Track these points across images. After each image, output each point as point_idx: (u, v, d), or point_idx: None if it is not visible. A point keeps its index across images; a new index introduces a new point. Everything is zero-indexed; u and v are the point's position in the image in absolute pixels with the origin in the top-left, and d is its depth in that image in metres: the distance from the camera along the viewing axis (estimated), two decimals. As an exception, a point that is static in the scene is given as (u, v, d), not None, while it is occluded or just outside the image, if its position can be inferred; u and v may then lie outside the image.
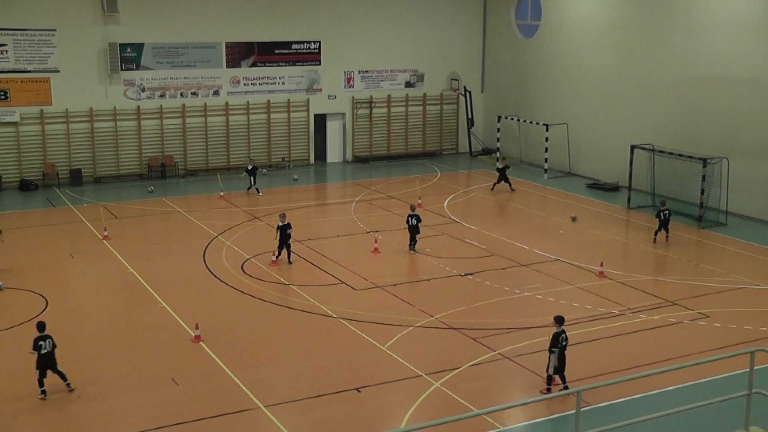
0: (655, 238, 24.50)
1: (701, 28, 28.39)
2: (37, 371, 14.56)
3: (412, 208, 23.78)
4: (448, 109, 39.54)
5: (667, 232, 24.50)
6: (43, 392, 14.58)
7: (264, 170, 35.14)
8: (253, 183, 30.67)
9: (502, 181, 30.94)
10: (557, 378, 14.78)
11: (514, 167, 36.17)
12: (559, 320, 14.83)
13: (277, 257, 22.17)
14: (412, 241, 23.44)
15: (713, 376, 15.15)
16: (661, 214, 24.32)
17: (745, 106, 27.05)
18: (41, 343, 14.62)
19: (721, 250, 24.09)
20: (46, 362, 14.63)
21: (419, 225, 23.39)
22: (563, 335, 14.69)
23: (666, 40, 29.83)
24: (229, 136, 35.13)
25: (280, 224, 22.03)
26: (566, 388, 14.65)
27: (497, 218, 27.58)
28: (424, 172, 35.32)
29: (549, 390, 14.72)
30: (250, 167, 30.84)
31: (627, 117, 31.77)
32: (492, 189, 31.16)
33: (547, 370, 14.82)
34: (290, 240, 22.26)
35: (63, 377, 14.85)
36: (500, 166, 31.21)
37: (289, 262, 22.11)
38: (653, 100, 30.57)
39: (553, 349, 14.59)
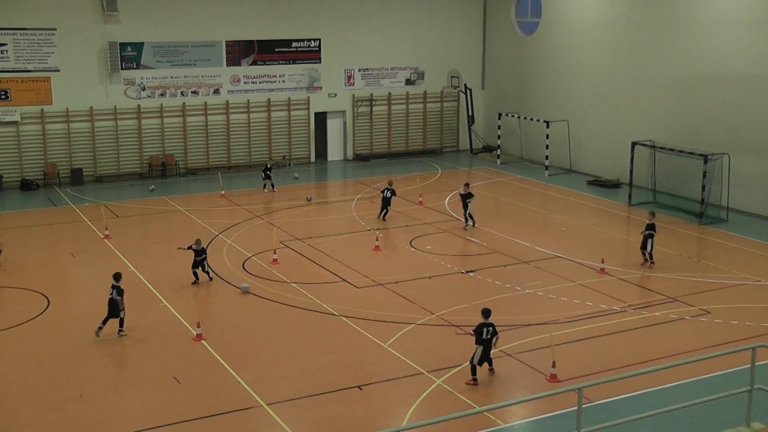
0: (643, 257, 21.95)
1: (702, 25, 28.37)
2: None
3: (390, 183, 26.84)
4: (448, 106, 39.52)
5: (650, 251, 21.70)
6: (99, 329, 17.24)
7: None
8: (266, 178, 30.97)
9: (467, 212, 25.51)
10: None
11: (516, 164, 36.21)
12: (485, 313, 15.09)
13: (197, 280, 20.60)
14: (383, 211, 26.27)
15: (714, 373, 15.14)
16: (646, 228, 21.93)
17: (746, 102, 27.04)
18: (112, 290, 17.41)
19: (722, 247, 24.07)
20: (110, 307, 17.33)
21: (392, 198, 26.27)
22: (488, 328, 14.90)
23: (667, 36, 29.80)
24: (229, 134, 35.13)
25: (195, 248, 20.41)
26: (491, 370, 15.14)
27: (498, 215, 27.58)
28: (424, 169, 35.32)
29: (475, 380, 14.85)
30: (269, 165, 31.34)
31: (628, 114, 31.76)
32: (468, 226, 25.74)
33: (471, 360, 14.96)
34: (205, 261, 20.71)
35: (121, 322, 17.43)
36: (462, 192, 25.58)
37: (210, 278, 20.69)
38: (654, 96, 30.55)
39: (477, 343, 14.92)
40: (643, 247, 21.84)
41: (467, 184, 25.88)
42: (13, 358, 16.25)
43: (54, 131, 32.30)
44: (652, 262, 21.71)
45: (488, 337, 14.93)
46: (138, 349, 16.65)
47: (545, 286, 20.21)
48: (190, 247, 20.64)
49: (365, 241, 24.16)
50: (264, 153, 35.79)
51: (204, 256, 20.75)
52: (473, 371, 14.94)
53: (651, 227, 21.67)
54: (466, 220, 25.40)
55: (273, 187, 31.01)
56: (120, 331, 17.41)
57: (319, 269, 21.69)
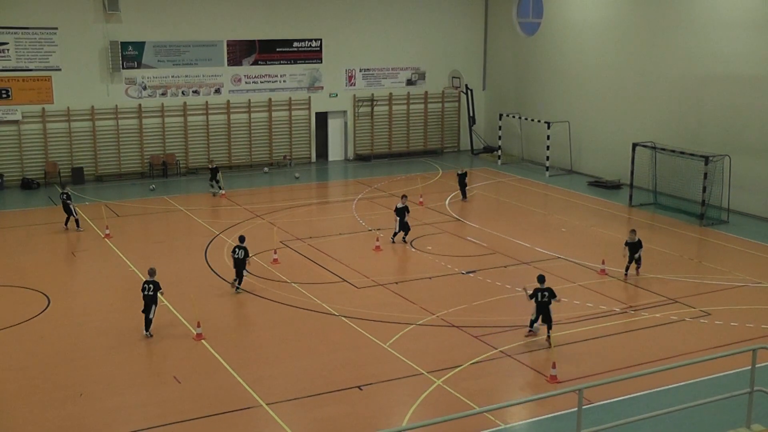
0: (626, 274, 21.02)
1: (703, 26, 28.36)
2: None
3: (462, 169, 29.95)
4: (449, 107, 39.52)
5: (638, 264, 20.97)
6: (237, 288, 19.69)
7: (266, 168, 35.20)
8: (215, 182, 30.18)
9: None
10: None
11: (516, 165, 36.24)
12: (539, 279, 16.99)
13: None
14: (463, 193, 28.97)
15: (715, 374, 15.14)
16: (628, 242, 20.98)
17: (747, 103, 27.03)
18: (238, 250, 19.53)
19: (722, 248, 24.06)
20: (236, 267, 19.66)
21: (465, 180, 29.10)
22: (542, 293, 16.68)
23: (668, 37, 29.79)
24: (230, 134, 35.13)
25: (149, 280, 17.30)
26: (549, 337, 16.68)
27: (498, 216, 27.57)
28: (425, 170, 35.32)
29: (530, 331, 17.08)
30: (213, 166, 30.49)
31: (629, 115, 31.75)
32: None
33: (532, 317, 17.08)
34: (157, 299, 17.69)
35: (240, 281, 19.76)
36: (400, 205, 24.55)
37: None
38: (655, 97, 30.54)
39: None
40: (634, 260, 20.87)
41: (405, 196, 24.41)
42: (13, 357, 16.25)
43: (55, 130, 32.31)
44: (638, 268, 20.89)
45: (544, 300, 16.57)
46: (138, 349, 16.65)
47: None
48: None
49: (366, 242, 24.16)
50: (265, 152, 35.80)
51: (154, 292, 17.08)
52: (531, 324, 16.95)
53: (638, 244, 20.69)
54: (396, 234, 23.91)
55: (221, 189, 30.19)
56: (237, 288, 19.72)
57: (320, 269, 21.69)
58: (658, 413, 10.99)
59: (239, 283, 19.82)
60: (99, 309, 19.01)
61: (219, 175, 30.47)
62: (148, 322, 17.15)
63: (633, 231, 21.21)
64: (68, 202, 25.34)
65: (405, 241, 23.94)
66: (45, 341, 17.03)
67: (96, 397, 14.52)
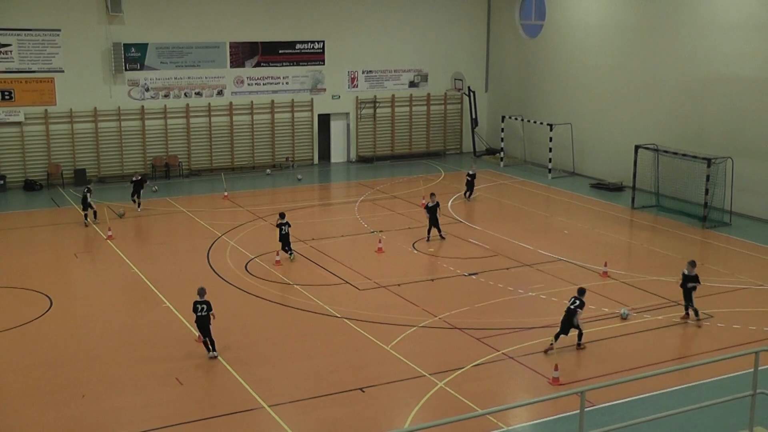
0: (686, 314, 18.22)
1: (705, 28, 28.35)
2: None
3: (471, 168, 29.88)
4: (452, 109, 39.53)
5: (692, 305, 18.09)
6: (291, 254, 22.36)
7: (268, 170, 35.21)
8: (136, 196, 28.10)
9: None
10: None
11: (519, 167, 36.24)
12: (578, 290, 16.75)
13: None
14: (468, 192, 29.55)
15: (717, 377, 15.13)
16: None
17: (750, 106, 27.01)
18: (281, 226, 21.83)
19: (725, 250, 24.04)
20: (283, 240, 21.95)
21: (474, 180, 29.55)
22: (573, 299, 16.53)
23: (670, 40, 29.79)
24: (233, 136, 35.15)
25: (200, 300, 16.54)
26: (579, 344, 16.58)
27: (501, 218, 27.56)
28: (427, 172, 35.31)
29: (550, 346, 16.40)
30: (137, 178, 28.30)
31: (631, 117, 31.73)
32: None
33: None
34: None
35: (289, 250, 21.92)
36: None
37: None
38: (657, 99, 30.53)
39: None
40: (687, 299, 18.07)
41: (433, 194, 24.63)
42: (15, 358, 16.27)
43: (58, 132, 32.33)
44: (699, 318, 18.03)
45: (572, 307, 16.37)
46: (140, 350, 16.65)
47: (547, 289, 20.19)
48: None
49: (368, 243, 24.16)
50: (268, 154, 35.82)
51: (206, 312, 16.36)
52: (555, 336, 16.40)
53: (694, 279, 17.93)
54: (431, 232, 24.31)
55: (139, 206, 28.00)
56: (291, 256, 22.34)
57: (322, 271, 21.69)
58: (660, 416, 10.99)
59: (291, 252, 22.41)
60: (101, 310, 19.02)
61: (142, 190, 28.30)
62: (212, 343, 16.19)
63: (692, 264, 18.15)
64: (87, 196, 26.01)
65: (443, 237, 24.41)
66: (47, 342, 17.05)
67: (98, 398, 14.53)
